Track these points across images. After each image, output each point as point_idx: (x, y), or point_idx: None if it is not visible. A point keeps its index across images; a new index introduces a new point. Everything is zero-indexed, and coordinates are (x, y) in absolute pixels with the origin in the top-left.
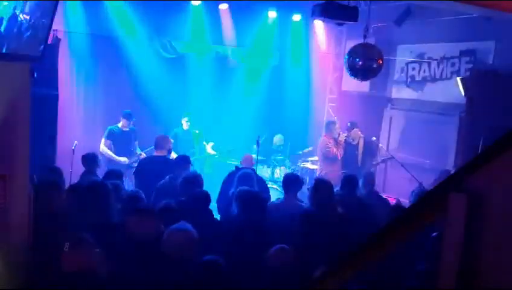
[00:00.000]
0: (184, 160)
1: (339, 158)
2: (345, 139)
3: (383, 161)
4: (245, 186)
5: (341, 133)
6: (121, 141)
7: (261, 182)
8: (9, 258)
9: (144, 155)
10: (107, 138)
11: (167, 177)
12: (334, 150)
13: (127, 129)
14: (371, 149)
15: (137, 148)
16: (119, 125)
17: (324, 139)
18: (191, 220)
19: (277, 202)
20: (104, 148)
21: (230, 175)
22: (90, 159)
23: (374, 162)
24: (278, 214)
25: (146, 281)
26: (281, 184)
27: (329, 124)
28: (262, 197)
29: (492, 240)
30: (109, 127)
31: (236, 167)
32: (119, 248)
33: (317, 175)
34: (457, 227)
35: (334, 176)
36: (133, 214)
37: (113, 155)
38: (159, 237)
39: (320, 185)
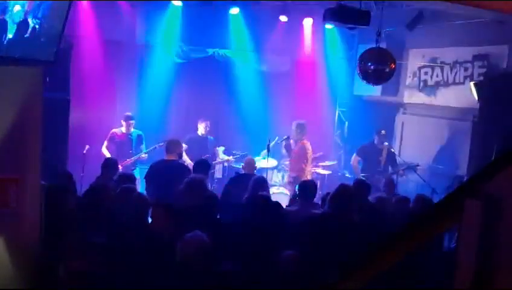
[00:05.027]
0: (203, 165)
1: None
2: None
3: (407, 168)
4: (263, 192)
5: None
6: (121, 145)
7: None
8: (20, 259)
9: (144, 156)
10: (109, 141)
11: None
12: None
13: (130, 132)
14: (390, 155)
15: (144, 151)
16: (122, 128)
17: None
18: (200, 223)
19: (293, 208)
20: (104, 150)
21: (231, 181)
22: (110, 165)
23: (400, 169)
24: (295, 220)
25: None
26: (298, 190)
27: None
28: (278, 203)
29: (508, 246)
30: (112, 130)
31: (237, 173)
32: (131, 251)
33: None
34: (473, 233)
35: None
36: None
37: None
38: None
39: (343, 191)
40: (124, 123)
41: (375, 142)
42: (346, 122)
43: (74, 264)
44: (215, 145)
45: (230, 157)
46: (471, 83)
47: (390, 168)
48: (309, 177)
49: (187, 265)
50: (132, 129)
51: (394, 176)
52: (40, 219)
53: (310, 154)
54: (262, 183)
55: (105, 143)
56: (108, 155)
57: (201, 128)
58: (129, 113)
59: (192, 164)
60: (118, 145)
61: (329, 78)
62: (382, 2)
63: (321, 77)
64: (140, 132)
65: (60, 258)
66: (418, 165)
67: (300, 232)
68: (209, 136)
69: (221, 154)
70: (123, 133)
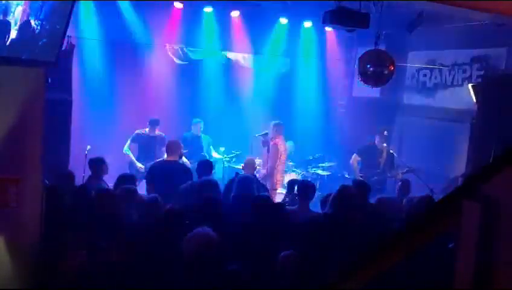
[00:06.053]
0: (206, 166)
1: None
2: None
3: (407, 171)
4: (264, 193)
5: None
6: (145, 146)
7: (262, 187)
8: (20, 258)
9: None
10: (132, 141)
11: (188, 182)
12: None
13: (153, 135)
14: (389, 157)
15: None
16: (146, 130)
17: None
18: (200, 224)
19: (292, 208)
20: (127, 150)
21: (231, 182)
22: (97, 164)
23: (399, 173)
24: (295, 220)
25: (165, 284)
26: (297, 191)
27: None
28: (280, 204)
29: (506, 247)
30: (136, 131)
31: (237, 173)
32: (131, 251)
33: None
34: (471, 235)
35: None
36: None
37: (134, 159)
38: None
39: (344, 192)
40: (149, 126)
41: (376, 142)
42: (346, 124)
43: (74, 264)
44: (210, 143)
45: (224, 156)
46: (470, 85)
47: (388, 170)
48: (279, 177)
49: (191, 262)
50: (157, 132)
51: (394, 179)
52: (40, 219)
53: (281, 154)
54: (246, 183)
55: (128, 142)
56: (131, 155)
57: (195, 127)
58: (156, 118)
59: (188, 162)
60: (141, 146)
61: (329, 79)
62: (381, 3)
63: (321, 78)
64: (163, 134)
65: (60, 258)
66: (414, 170)
67: (302, 233)
68: (203, 135)
69: (213, 152)
70: (147, 134)
